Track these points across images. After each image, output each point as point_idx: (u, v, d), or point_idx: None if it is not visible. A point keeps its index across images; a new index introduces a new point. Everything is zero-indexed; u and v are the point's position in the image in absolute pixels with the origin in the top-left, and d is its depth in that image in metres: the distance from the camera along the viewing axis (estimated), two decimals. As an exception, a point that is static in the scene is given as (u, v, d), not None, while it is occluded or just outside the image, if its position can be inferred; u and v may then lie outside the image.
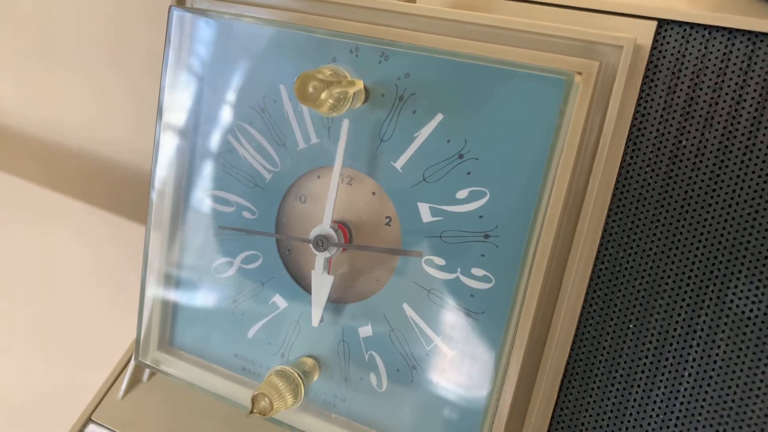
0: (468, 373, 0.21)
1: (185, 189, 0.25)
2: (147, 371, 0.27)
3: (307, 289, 0.24)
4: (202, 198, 0.25)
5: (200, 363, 0.26)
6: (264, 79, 0.23)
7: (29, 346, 0.41)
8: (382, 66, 0.21)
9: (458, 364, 0.21)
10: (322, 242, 0.22)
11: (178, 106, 0.24)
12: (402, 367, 0.22)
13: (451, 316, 0.21)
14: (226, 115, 0.24)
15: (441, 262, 0.21)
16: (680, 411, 0.20)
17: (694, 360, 0.20)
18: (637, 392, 0.21)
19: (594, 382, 0.21)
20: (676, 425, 0.20)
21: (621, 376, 0.21)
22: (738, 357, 0.20)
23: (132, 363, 0.27)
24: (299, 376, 0.22)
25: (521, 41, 0.19)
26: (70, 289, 0.44)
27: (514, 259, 0.20)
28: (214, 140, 0.24)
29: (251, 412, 0.21)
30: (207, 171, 0.24)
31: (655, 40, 0.20)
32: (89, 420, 0.26)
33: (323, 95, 0.18)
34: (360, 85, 0.20)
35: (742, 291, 0.20)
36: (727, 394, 0.20)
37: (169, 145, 0.24)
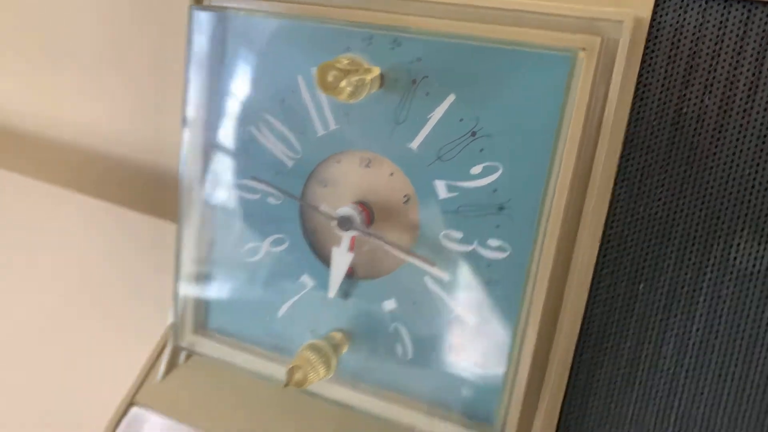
0: (489, 338, 0.22)
1: (211, 180, 0.26)
2: (183, 354, 0.29)
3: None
4: (228, 188, 0.26)
5: (234, 344, 0.27)
6: (282, 71, 0.24)
7: (60, 340, 0.43)
8: (395, 52, 0.22)
9: (479, 330, 0.23)
10: (345, 222, 0.23)
11: (201, 102, 0.25)
12: (425, 336, 0.24)
13: (471, 285, 0.22)
14: (246, 107, 0.25)
15: (458, 235, 0.23)
16: (689, 364, 0.22)
17: (701, 315, 0.21)
18: (648, 348, 0.22)
19: (608, 341, 0.22)
20: (686, 377, 0.22)
21: (633, 334, 0.22)
22: (742, 311, 0.21)
23: (169, 346, 0.28)
24: (330, 348, 0.24)
25: (526, 21, 0.21)
26: (91, 281, 0.45)
27: (528, 229, 0.21)
28: (237, 132, 0.25)
29: (287, 384, 0.22)
30: (231, 162, 0.26)
31: (654, 12, 0.21)
32: (132, 403, 0.28)
33: (342, 83, 0.19)
34: (376, 71, 0.21)
35: (744, 248, 0.21)
36: (733, 347, 0.21)
37: (194, 140, 0.25)
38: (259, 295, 0.26)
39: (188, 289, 0.28)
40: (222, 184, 0.26)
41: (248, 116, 0.25)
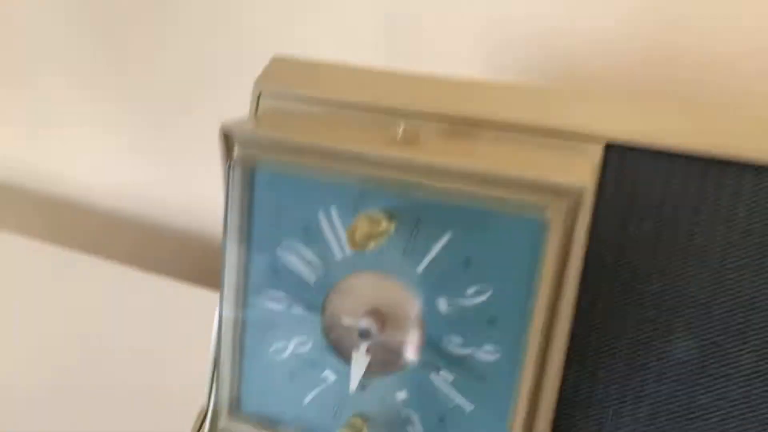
0: (485, 421, 0.28)
1: (245, 289, 0.31)
2: (218, 435, 0.33)
3: (350, 362, 0.30)
4: (259, 299, 0.31)
5: (266, 426, 0.32)
6: (305, 208, 0.29)
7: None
8: (400, 200, 0.27)
9: (475, 415, 0.28)
10: (365, 333, 0.28)
11: (236, 236, 0.30)
12: (432, 420, 0.29)
13: (468, 380, 0.28)
14: (275, 236, 0.30)
15: (459, 340, 0.28)
16: None
17: (648, 400, 0.28)
18: (608, 425, 0.28)
19: (575, 419, 0.28)
20: None
21: (593, 415, 0.28)
22: (680, 393, 0.27)
23: (207, 428, 0.33)
24: (355, 429, 0.29)
25: (501, 182, 0.26)
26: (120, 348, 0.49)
27: (515, 337, 0.27)
28: (268, 256, 0.30)
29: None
30: (263, 278, 0.30)
31: (605, 159, 0.27)
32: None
33: (371, 243, 0.24)
34: (392, 227, 0.26)
35: (679, 343, 0.27)
36: (674, 419, 0.28)
37: (231, 264, 0.30)
38: (287, 385, 0.31)
39: (222, 382, 0.32)
40: (255, 294, 0.31)
41: (278, 242, 0.30)
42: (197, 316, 0.46)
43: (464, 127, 0.29)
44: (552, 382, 0.28)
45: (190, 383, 0.39)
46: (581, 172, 0.26)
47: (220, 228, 0.61)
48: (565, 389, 0.29)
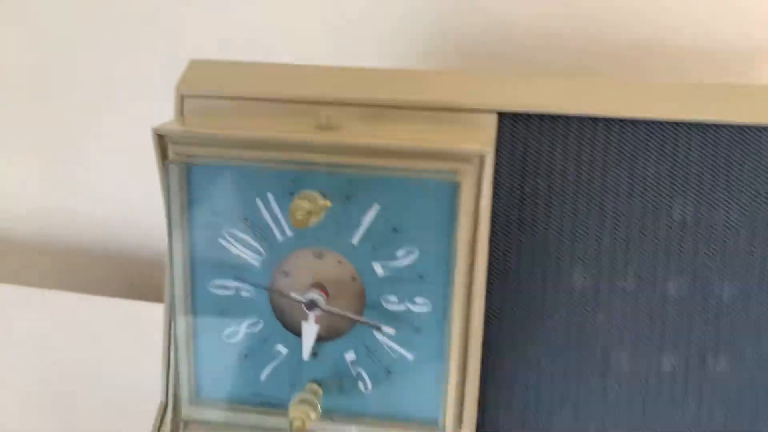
0: (426, 366, 0.32)
1: (193, 282, 0.33)
2: (182, 426, 0.35)
3: (300, 334, 0.33)
4: (207, 288, 0.33)
5: (228, 407, 0.34)
6: (245, 198, 0.31)
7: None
8: (331, 180, 0.30)
9: (417, 363, 0.32)
10: (312, 304, 0.31)
11: (179, 232, 0.32)
12: (380, 373, 0.33)
13: (407, 332, 0.32)
14: (217, 228, 0.32)
15: (394, 298, 0.32)
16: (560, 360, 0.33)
17: (554, 326, 0.33)
18: (532, 346, 0.33)
19: (502, 350, 0.33)
20: (553, 375, 0.33)
21: (520, 343, 0.33)
22: (572, 321, 0.33)
23: (168, 421, 0.35)
24: (313, 397, 0.32)
25: (417, 155, 0.30)
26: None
27: (442, 290, 0.31)
28: (212, 246, 0.32)
29: None
30: (209, 269, 0.33)
31: (499, 126, 0.32)
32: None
33: (312, 219, 0.27)
34: (328, 204, 0.29)
35: (577, 275, 0.33)
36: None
37: (177, 259, 0.32)
38: (243, 365, 0.34)
39: (179, 371, 0.34)
40: (202, 287, 0.33)
41: (220, 233, 0.32)
42: (142, 327, 0.47)
43: (379, 110, 0.33)
44: (477, 324, 0.32)
45: (144, 390, 0.40)
46: (482, 140, 0.31)
47: (146, 240, 0.62)
48: (489, 330, 0.33)
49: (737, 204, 0.32)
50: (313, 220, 0.28)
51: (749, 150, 0.32)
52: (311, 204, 0.28)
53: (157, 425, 0.35)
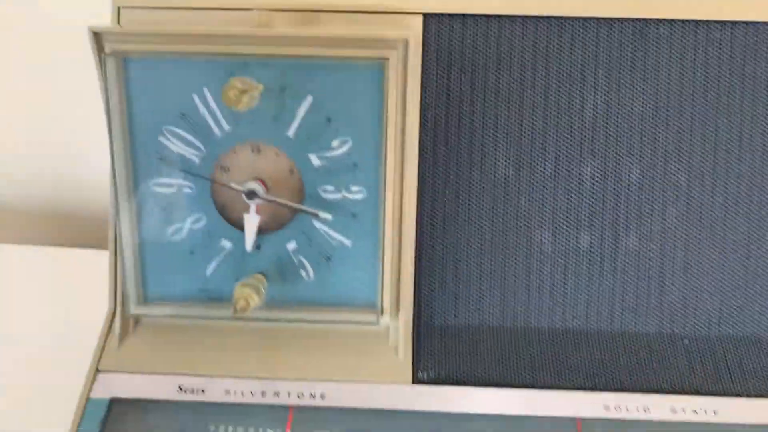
0: (363, 251, 0.34)
1: (135, 182, 0.34)
2: (131, 324, 0.36)
3: (243, 228, 0.34)
4: (151, 187, 0.34)
5: (176, 304, 0.35)
6: (181, 93, 0.32)
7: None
8: (265, 72, 0.32)
9: (355, 248, 0.34)
10: (252, 194, 0.33)
11: (119, 131, 0.33)
12: (321, 260, 0.35)
13: (344, 219, 0.34)
14: (156, 125, 0.33)
15: (331, 188, 0.34)
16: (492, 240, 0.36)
17: (479, 203, 0.36)
18: (472, 235, 0.36)
19: (435, 232, 0.36)
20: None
21: (455, 228, 0.36)
22: (500, 200, 0.35)
23: (118, 319, 0.35)
24: (257, 282, 0.33)
25: (346, 43, 0.32)
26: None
27: (375, 176, 0.33)
28: (151, 145, 0.33)
29: (235, 312, 0.32)
30: (151, 168, 0.34)
31: (425, 27, 0.34)
32: (97, 370, 0.35)
33: (244, 98, 0.29)
34: (261, 87, 0.31)
35: (500, 164, 0.35)
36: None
37: (119, 159, 0.33)
38: (189, 262, 0.35)
39: (126, 270, 0.35)
40: (146, 186, 0.34)
41: (158, 131, 0.33)
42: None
43: (310, 15, 0.35)
44: (410, 209, 0.34)
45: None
46: (409, 30, 0.33)
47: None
48: (422, 216, 0.35)
49: (641, 94, 0.35)
50: (246, 101, 0.29)
51: (649, 44, 0.35)
52: (243, 84, 0.29)
53: (105, 331, 0.36)
